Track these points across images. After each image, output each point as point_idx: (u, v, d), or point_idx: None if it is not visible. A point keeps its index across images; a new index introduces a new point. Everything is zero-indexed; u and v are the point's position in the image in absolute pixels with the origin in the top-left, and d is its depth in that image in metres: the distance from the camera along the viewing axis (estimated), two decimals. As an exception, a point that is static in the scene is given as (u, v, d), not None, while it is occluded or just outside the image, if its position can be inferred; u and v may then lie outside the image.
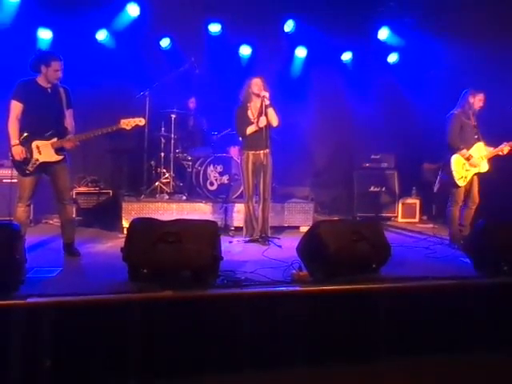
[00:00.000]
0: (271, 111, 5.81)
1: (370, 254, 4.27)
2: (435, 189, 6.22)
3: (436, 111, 6.51)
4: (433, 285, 4.19)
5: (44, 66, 4.72)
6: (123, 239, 4.05)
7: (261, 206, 5.96)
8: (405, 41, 8.39)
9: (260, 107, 5.84)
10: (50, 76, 4.74)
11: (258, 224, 5.96)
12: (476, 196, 5.93)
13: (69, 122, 4.96)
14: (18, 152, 4.71)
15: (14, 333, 3.26)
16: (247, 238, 5.96)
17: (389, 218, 8.06)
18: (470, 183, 5.91)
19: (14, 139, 4.72)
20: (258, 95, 5.84)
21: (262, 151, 5.84)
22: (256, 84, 5.86)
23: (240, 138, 6.13)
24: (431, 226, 7.32)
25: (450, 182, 5.90)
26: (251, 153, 5.92)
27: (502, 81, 6.62)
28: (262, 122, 5.76)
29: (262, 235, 5.89)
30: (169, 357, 3.53)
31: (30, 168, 4.76)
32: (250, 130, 5.88)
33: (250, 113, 5.95)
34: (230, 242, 5.90)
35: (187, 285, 3.75)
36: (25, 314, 3.32)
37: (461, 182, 5.83)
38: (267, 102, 5.76)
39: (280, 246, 5.68)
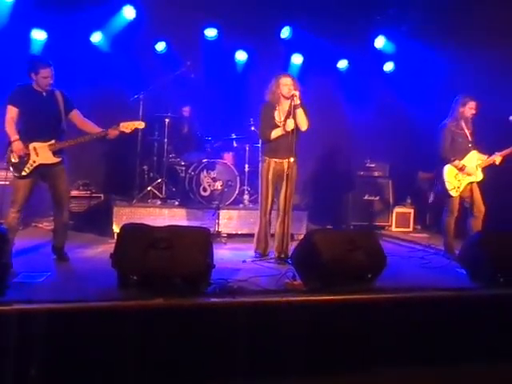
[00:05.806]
0: (301, 112, 5.11)
1: (365, 263, 4.22)
2: (430, 200, 6.16)
3: (431, 120, 6.45)
4: (429, 295, 4.13)
5: (33, 74, 4.70)
6: (114, 244, 3.97)
7: (279, 220, 5.26)
8: (401, 49, 8.36)
9: (288, 108, 5.15)
10: (40, 83, 4.72)
11: (276, 241, 5.30)
12: (480, 204, 5.78)
13: (81, 120, 4.97)
14: (18, 147, 4.66)
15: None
16: (258, 256, 5.31)
17: (383, 227, 8.00)
18: (471, 192, 5.80)
19: (14, 135, 4.68)
20: (288, 97, 5.13)
21: (286, 159, 5.15)
22: (285, 84, 5.14)
23: (260, 142, 5.48)
24: (425, 235, 7.26)
25: (444, 192, 5.83)
26: (273, 160, 5.24)
27: (499, 88, 6.59)
28: (290, 125, 5.05)
29: (280, 255, 5.17)
30: (160, 365, 3.43)
31: (27, 169, 4.70)
32: (275, 133, 5.19)
33: (276, 114, 5.26)
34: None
35: (178, 292, 3.67)
36: (10, 321, 3.22)
37: (453, 193, 5.76)
38: (297, 102, 5.05)
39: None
